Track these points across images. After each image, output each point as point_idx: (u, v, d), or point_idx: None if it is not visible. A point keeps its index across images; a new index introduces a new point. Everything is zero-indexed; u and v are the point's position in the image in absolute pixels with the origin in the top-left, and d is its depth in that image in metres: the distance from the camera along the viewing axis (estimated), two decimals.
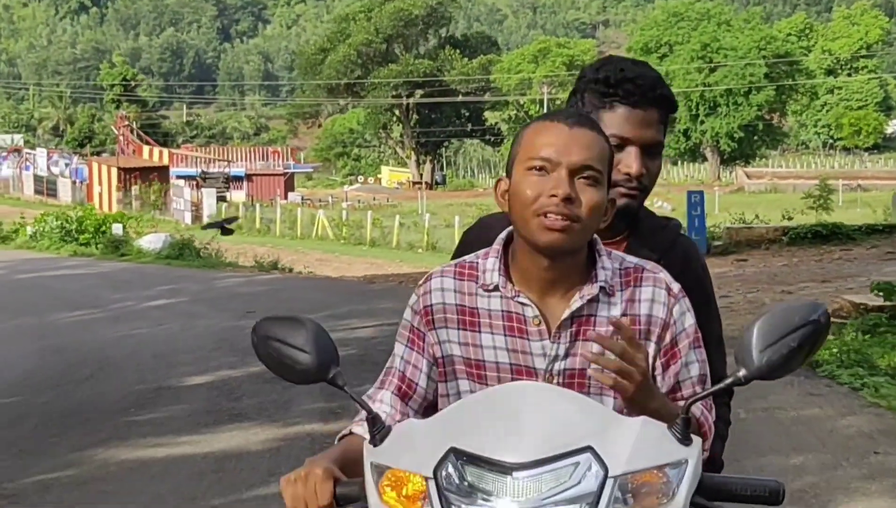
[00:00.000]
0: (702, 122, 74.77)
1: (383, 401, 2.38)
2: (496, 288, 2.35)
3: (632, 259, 2.42)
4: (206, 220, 49.30)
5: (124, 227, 34.42)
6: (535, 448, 1.95)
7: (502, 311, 2.35)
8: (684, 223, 24.77)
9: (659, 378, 2.38)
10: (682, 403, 2.22)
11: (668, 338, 2.37)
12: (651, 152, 2.74)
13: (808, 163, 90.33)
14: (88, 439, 9.01)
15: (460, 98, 79.76)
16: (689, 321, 2.40)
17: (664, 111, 2.75)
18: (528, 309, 2.32)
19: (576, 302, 2.31)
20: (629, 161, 2.69)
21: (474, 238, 2.65)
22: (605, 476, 1.94)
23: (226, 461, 8.06)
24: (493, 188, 2.42)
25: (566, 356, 2.33)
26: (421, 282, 2.46)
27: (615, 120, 2.69)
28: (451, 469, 1.98)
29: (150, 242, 31.68)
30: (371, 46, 76.94)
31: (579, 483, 1.93)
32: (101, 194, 62.06)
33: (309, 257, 35.55)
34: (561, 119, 2.33)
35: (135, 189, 59.67)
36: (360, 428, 2.30)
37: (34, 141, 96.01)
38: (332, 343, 2.29)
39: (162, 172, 63.15)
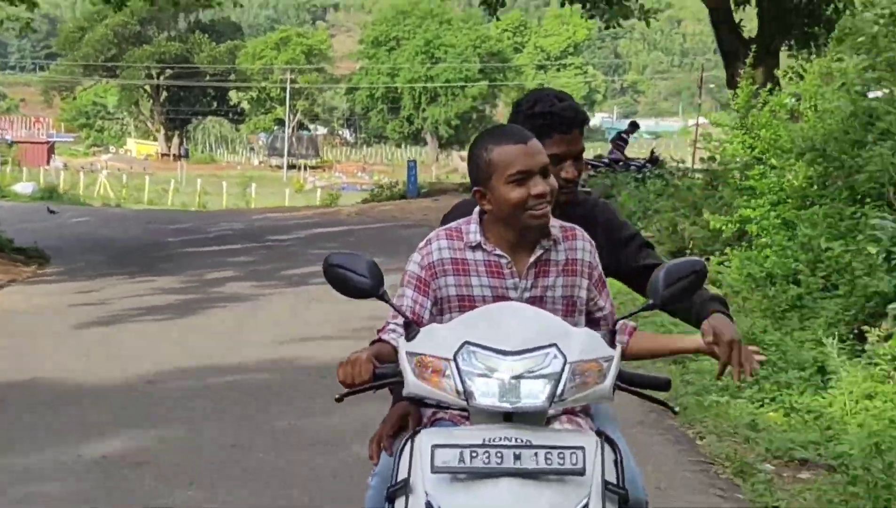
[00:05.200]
0: (423, 110, 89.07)
1: (398, 324, 3.48)
2: (479, 246, 3.56)
3: (563, 223, 3.67)
4: None
5: None
6: (521, 342, 3.09)
7: (484, 261, 3.56)
8: (404, 180, 39.43)
9: (600, 301, 3.73)
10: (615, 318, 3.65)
11: (595, 275, 3.70)
12: (578, 159, 4.00)
13: None
14: (169, 250, 22.10)
15: (207, 80, 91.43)
16: (601, 264, 3.74)
17: (583, 127, 4.01)
18: (503, 259, 3.55)
19: (538, 251, 3.56)
20: (567, 170, 3.96)
21: (455, 216, 3.80)
22: (565, 363, 3.07)
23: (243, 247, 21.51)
24: (473, 195, 3.60)
25: (532, 288, 3.57)
26: (422, 245, 3.63)
27: (552, 143, 3.85)
28: (465, 354, 3.09)
29: (23, 187, 43.61)
30: (126, 28, 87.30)
31: (549, 365, 3.06)
32: None
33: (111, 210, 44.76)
34: (516, 140, 3.49)
35: None
36: (387, 335, 3.52)
37: None
38: (380, 271, 3.42)
39: None
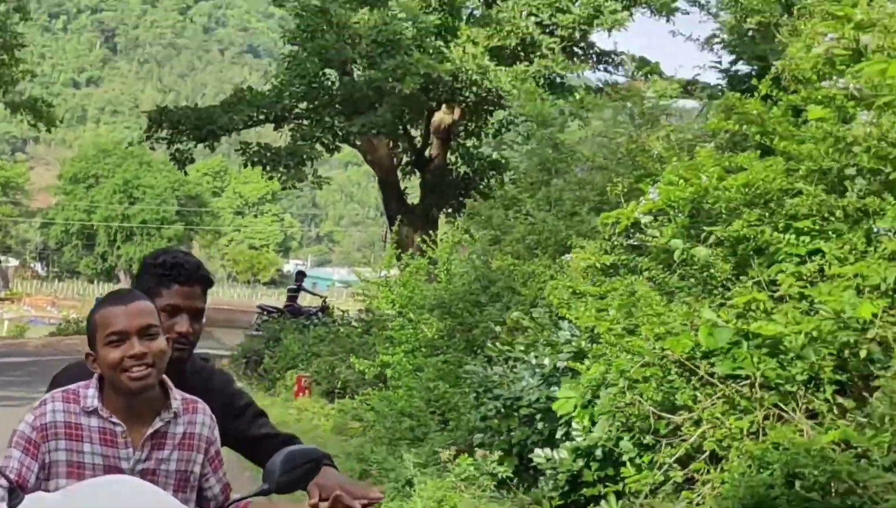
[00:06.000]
0: (118, 247, 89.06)
1: (3, 487, 3.08)
2: (95, 411, 3.35)
3: (186, 395, 3.51)
4: None
5: None
6: None
7: (99, 427, 3.35)
8: None
9: (213, 478, 3.57)
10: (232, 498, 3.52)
11: (213, 451, 3.55)
12: (196, 317, 3.85)
13: (213, 293, 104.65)
14: None
15: None
16: (220, 439, 3.61)
17: (205, 286, 3.89)
18: (119, 427, 3.35)
19: (157, 423, 3.39)
20: (182, 324, 3.80)
21: (65, 380, 3.55)
22: None
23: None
24: (86, 359, 3.40)
25: (146, 460, 3.38)
26: (37, 405, 3.38)
27: (171, 294, 3.79)
28: None
29: None
30: None
31: None
32: None
33: None
34: (116, 302, 3.35)
35: None
36: None
37: None
38: None
39: None
